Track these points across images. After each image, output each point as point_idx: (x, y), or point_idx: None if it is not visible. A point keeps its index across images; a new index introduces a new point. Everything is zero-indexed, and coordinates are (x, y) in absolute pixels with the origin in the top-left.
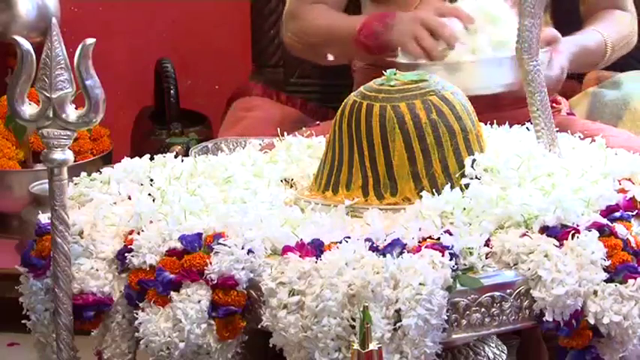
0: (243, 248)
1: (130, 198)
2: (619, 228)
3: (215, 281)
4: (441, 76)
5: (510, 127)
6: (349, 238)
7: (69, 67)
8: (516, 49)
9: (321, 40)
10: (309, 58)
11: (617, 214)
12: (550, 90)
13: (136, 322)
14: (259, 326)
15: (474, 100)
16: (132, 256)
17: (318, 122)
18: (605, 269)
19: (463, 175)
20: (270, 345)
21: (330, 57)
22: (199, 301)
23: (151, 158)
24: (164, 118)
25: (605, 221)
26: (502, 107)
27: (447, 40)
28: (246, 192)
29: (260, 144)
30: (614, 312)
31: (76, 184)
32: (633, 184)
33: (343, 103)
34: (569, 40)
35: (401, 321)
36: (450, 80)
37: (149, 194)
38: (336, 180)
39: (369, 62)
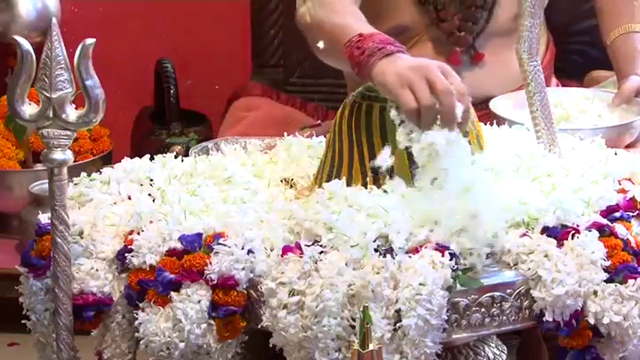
0: (243, 248)
1: (130, 198)
2: (619, 228)
3: (215, 281)
4: None
5: None
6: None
7: (69, 67)
8: (516, 49)
9: (316, 23)
10: (308, 38)
11: (617, 214)
12: None
13: (136, 322)
14: (259, 326)
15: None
16: (132, 256)
17: (319, 121)
18: (605, 269)
19: None
20: (270, 345)
21: (320, 44)
22: (199, 301)
23: (151, 158)
24: (164, 118)
25: (605, 221)
26: None
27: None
28: (246, 192)
29: (260, 144)
30: (614, 312)
31: (76, 184)
32: (633, 184)
33: (343, 103)
34: None
35: (401, 321)
36: None
37: (149, 194)
38: (336, 180)
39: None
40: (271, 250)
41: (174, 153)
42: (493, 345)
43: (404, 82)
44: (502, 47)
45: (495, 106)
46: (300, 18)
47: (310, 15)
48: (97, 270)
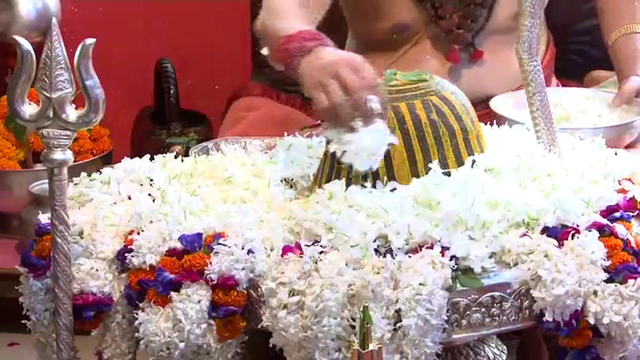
0: (243, 248)
1: (130, 198)
2: (619, 228)
3: (215, 281)
4: None
5: None
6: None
7: (69, 67)
8: (516, 49)
9: (264, 30)
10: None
11: (617, 214)
12: None
13: (136, 322)
14: (259, 326)
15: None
16: (132, 256)
17: (319, 121)
18: (605, 269)
19: None
20: (270, 345)
21: (264, 51)
22: (199, 301)
23: (151, 158)
24: (164, 118)
25: (605, 221)
26: None
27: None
28: (246, 192)
29: (260, 144)
30: (614, 312)
31: (76, 184)
32: (633, 184)
33: None
34: None
35: (401, 321)
36: None
37: (149, 194)
38: (336, 180)
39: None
40: (271, 250)
41: (174, 153)
42: (493, 345)
43: (315, 82)
44: (502, 45)
45: (495, 105)
46: (255, 27)
47: (260, 22)
48: (97, 270)
